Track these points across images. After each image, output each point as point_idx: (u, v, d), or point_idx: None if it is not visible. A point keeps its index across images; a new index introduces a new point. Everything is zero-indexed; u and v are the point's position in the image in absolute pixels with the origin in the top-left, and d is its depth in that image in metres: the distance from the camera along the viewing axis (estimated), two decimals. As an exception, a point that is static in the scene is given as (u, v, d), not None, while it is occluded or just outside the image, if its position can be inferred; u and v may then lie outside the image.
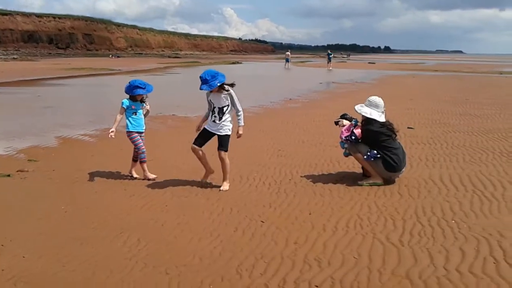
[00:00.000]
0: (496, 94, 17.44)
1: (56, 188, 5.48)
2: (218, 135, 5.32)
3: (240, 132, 5.31)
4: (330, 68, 42.54)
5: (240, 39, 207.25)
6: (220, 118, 5.26)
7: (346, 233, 4.06)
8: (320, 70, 41.58)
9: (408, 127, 9.60)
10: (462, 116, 11.36)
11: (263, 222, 4.34)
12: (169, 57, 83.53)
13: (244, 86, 23.19)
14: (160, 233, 4.11)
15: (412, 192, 5.21)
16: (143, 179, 5.84)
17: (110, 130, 5.70)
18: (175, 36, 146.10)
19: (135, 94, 5.71)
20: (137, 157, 5.90)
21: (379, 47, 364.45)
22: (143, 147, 5.86)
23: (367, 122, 5.50)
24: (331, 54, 46.44)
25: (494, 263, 3.46)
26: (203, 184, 5.52)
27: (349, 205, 4.81)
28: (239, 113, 5.31)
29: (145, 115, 6.01)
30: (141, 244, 3.87)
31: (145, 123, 5.98)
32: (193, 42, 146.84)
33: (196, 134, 5.50)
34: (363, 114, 5.49)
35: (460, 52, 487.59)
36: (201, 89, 5.14)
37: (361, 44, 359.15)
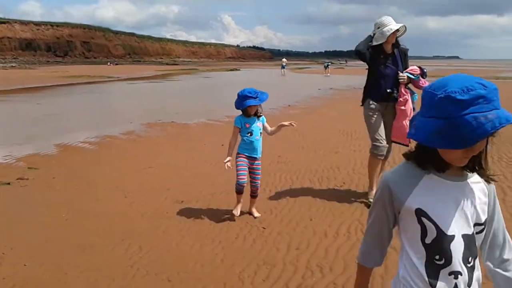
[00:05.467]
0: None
1: (57, 196, 5.48)
2: None
3: None
4: (328, 74, 42.80)
5: (238, 46, 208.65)
6: None
7: (348, 239, 4.06)
8: (318, 76, 41.72)
9: (407, 133, 9.60)
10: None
11: (264, 228, 4.35)
12: (167, 64, 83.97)
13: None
14: (162, 240, 4.11)
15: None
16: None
17: (225, 160, 4.50)
18: (173, 43, 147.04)
19: (246, 106, 4.40)
20: (252, 192, 4.66)
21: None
22: (243, 176, 4.46)
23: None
24: (328, 63, 48.33)
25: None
26: None
27: (349, 210, 4.81)
28: None
29: (270, 133, 4.75)
30: (143, 251, 3.86)
31: (259, 146, 4.57)
32: (191, 49, 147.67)
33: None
34: (400, 27, 4.81)
35: (457, 57, 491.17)
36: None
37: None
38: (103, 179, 6.17)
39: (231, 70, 60.12)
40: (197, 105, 17.08)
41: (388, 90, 4.87)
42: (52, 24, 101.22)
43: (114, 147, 8.75)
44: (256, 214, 4.67)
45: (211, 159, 7.29)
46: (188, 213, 4.82)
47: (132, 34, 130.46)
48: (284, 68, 47.46)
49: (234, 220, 4.56)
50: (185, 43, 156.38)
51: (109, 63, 74.18)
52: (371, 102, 4.99)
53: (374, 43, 4.82)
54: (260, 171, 4.63)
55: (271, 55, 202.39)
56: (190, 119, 12.32)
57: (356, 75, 42.11)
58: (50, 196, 5.45)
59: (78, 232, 4.31)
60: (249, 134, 4.48)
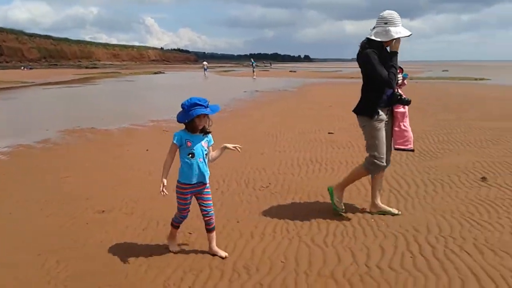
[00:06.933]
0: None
1: (-38, 212, 5.02)
2: None
3: None
4: (255, 77, 43.35)
5: (162, 48, 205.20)
6: None
7: (273, 239, 4.11)
8: (244, 79, 42.04)
9: (329, 132, 9.96)
10: (377, 120, 11.98)
11: (190, 233, 4.28)
12: (86, 67, 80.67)
13: (169, 96, 22.86)
14: (81, 253, 3.90)
15: (334, 194, 5.40)
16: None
17: (161, 185, 3.57)
18: (93, 46, 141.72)
19: (194, 117, 3.46)
20: (207, 224, 3.82)
21: (299, 56, 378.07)
22: (186, 212, 3.81)
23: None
24: (254, 63, 48.83)
25: (411, 257, 3.67)
26: None
27: (275, 210, 4.88)
28: None
29: (212, 160, 3.83)
30: (60, 266, 3.64)
31: (206, 170, 3.69)
32: (112, 52, 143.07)
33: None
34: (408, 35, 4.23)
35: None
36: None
37: (282, 53, 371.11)
38: (17, 191, 5.76)
39: (156, 73, 58.94)
40: (119, 110, 16.50)
41: (396, 93, 4.43)
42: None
43: (28, 156, 8.20)
44: (221, 253, 3.77)
45: (134, 165, 7.07)
46: (110, 223, 4.62)
47: (48, 37, 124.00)
48: (206, 70, 47.65)
49: (160, 228, 4.44)
50: (105, 45, 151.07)
51: (23, 68, 69.83)
52: (380, 112, 4.37)
53: (374, 38, 4.23)
54: (210, 197, 3.79)
55: (196, 58, 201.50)
56: (112, 125, 11.87)
57: (280, 77, 43.09)
58: (-46, 213, 4.99)
59: (-13, 250, 3.98)
60: (190, 155, 3.57)
